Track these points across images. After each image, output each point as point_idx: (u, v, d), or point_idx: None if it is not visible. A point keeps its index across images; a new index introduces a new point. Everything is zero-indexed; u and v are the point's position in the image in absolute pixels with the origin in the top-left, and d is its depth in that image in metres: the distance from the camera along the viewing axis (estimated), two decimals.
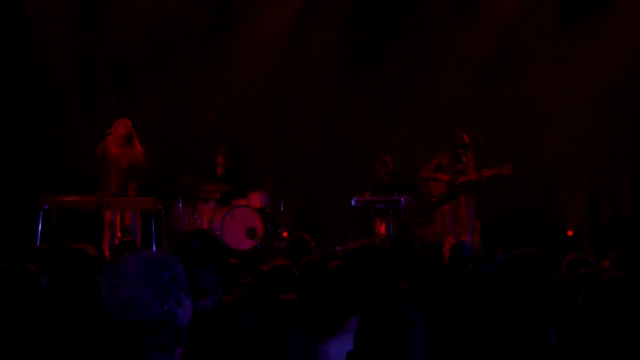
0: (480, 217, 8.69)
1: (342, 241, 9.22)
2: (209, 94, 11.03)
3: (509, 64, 11.29)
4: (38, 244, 7.28)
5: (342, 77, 11.58)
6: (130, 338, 1.62)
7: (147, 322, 1.80)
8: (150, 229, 8.22)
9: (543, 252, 5.81)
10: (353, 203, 9.64)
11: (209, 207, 9.91)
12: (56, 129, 10.22)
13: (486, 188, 8.60)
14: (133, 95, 10.76)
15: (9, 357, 2.90)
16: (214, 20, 11.31)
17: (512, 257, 4.19)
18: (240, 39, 11.33)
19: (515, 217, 5.12)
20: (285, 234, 9.85)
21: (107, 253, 7.75)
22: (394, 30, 11.59)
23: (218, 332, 2.67)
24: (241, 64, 11.31)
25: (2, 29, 9.53)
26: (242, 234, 9.60)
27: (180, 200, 9.70)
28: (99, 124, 9.13)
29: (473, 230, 8.65)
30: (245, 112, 11.23)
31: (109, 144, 8.28)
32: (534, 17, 11.23)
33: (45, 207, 7.96)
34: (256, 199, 9.93)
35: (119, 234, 8.26)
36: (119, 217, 8.34)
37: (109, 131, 8.19)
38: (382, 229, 9.93)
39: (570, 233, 9.05)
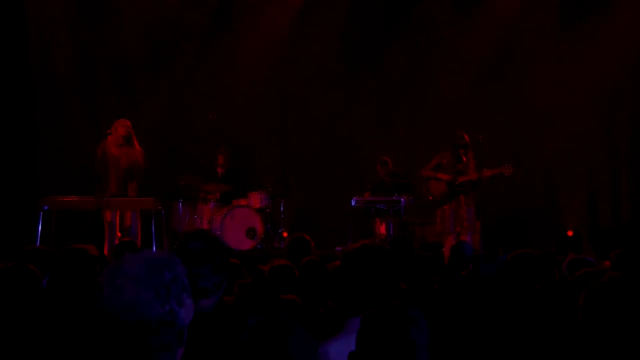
0: (480, 217, 8.67)
1: (342, 241, 9.22)
2: (209, 94, 11.04)
3: (509, 64, 11.29)
4: (38, 244, 7.28)
5: (342, 77, 11.58)
6: (136, 337, 1.63)
7: (149, 322, 1.80)
8: (150, 229, 8.22)
9: (543, 252, 5.81)
10: (353, 203, 9.64)
11: (209, 207, 9.90)
12: (56, 129, 10.22)
13: (486, 188, 8.59)
14: (133, 95, 10.76)
15: (10, 357, 2.90)
16: (214, 20, 11.31)
17: (513, 257, 4.20)
18: (240, 39, 11.33)
19: (515, 218, 5.13)
20: (285, 234, 9.85)
21: (107, 253, 7.75)
22: (394, 30, 11.59)
23: (219, 332, 2.67)
24: (241, 64, 11.30)
25: (2, 29, 9.54)
26: (242, 234, 9.59)
27: (180, 200, 9.69)
28: (99, 124, 9.12)
29: (473, 230, 8.63)
30: (245, 112, 11.23)
31: (109, 145, 8.28)
32: (534, 17, 11.23)
33: (46, 207, 7.96)
34: (256, 199, 9.93)
35: (119, 234, 8.26)
36: (118, 217, 8.35)
37: (108, 131, 8.21)
38: (382, 229, 9.93)
39: (570, 233, 9.04)
